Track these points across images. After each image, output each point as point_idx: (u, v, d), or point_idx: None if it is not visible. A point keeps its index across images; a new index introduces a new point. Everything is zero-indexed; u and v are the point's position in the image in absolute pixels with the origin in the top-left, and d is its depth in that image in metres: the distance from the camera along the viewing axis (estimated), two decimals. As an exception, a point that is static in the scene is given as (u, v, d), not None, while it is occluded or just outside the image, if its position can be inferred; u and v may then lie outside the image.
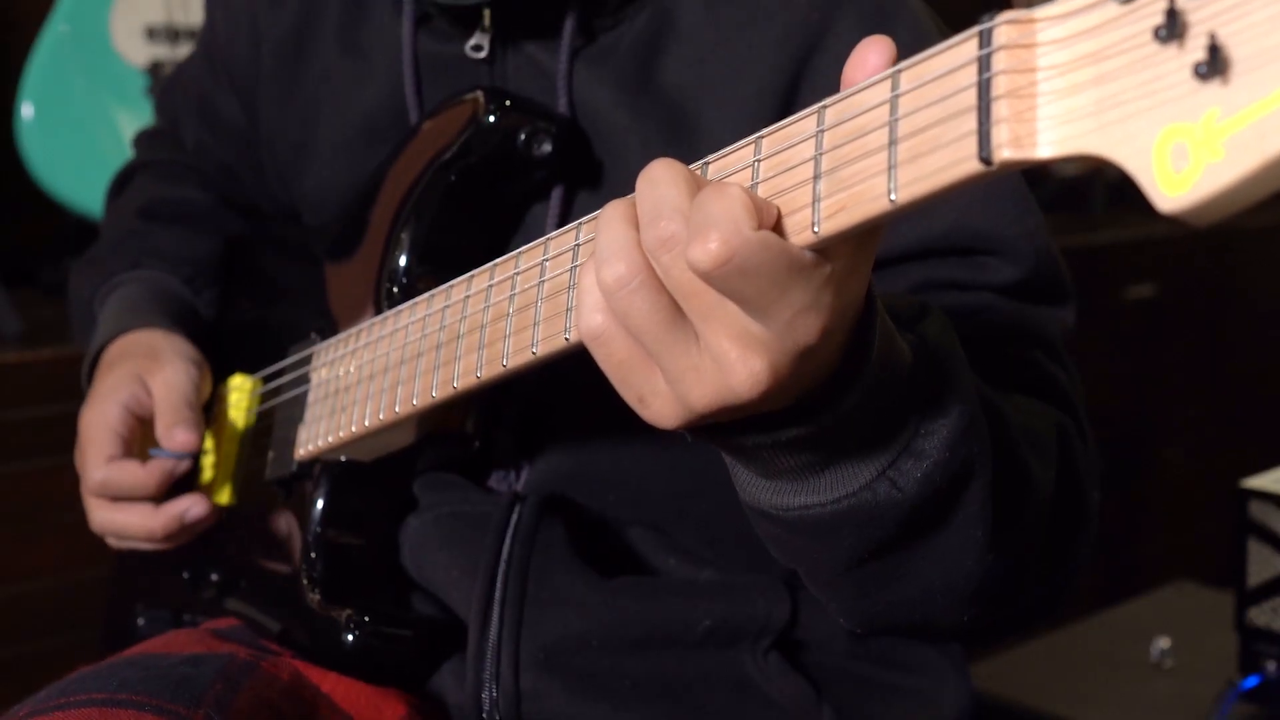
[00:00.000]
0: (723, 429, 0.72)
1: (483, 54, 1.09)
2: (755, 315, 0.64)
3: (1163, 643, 2.02)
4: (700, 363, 0.67)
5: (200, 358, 1.22)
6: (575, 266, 0.80)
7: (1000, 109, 0.58)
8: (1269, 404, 3.67)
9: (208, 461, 1.22)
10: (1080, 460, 0.91)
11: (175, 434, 1.15)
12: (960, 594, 0.82)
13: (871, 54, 0.64)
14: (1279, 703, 1.82)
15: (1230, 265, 3.60)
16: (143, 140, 1.50)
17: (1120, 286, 3.29)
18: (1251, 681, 1.83)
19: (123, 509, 1.16)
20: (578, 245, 0.80)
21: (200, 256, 1.32)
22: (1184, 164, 0.52)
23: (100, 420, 1.15)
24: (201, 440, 1.17)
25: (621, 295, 0.67)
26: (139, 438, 1.17)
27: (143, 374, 1.17)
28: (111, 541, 1.20)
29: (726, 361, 0.65)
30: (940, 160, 0.60)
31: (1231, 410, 3.58)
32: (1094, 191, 3.56)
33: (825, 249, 0.64)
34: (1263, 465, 1.93)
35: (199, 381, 1.20)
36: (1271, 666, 1.82)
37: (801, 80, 1.01)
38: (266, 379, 1.22)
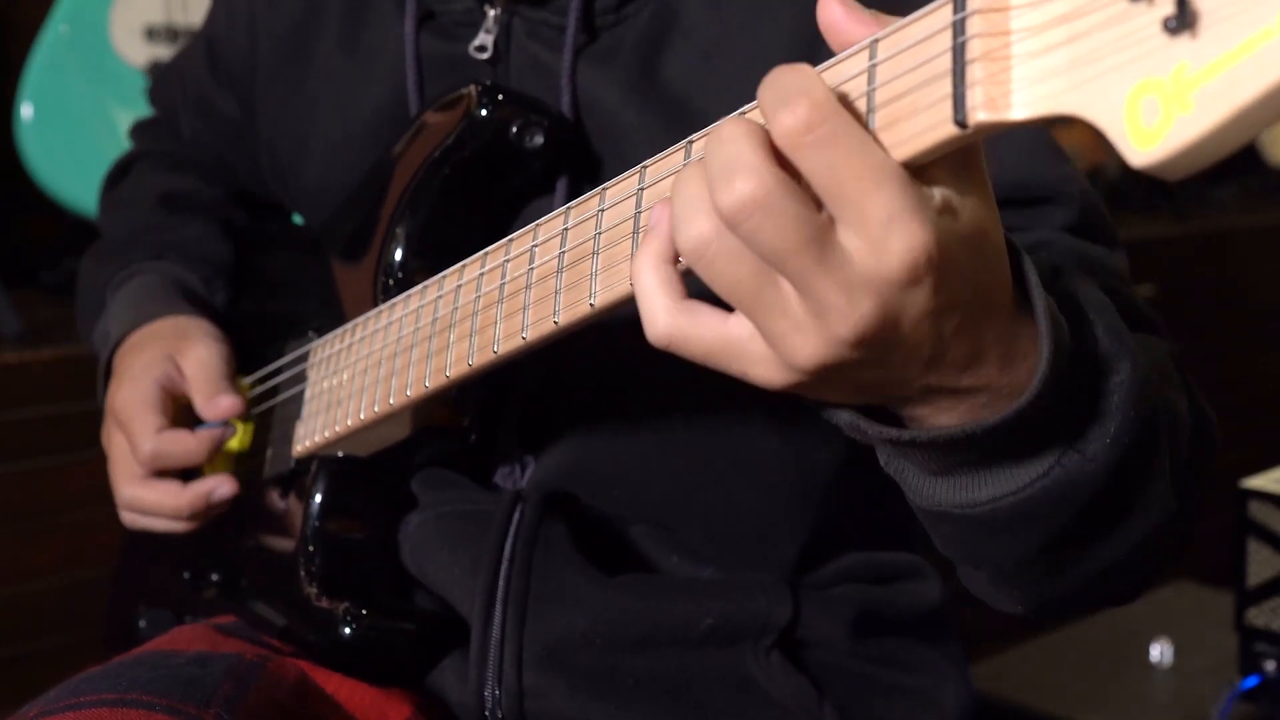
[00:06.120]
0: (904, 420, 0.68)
1: (486, 54, 1.09)
2: (847, 214, 0.61)
3: (1163, 643, 2.02)
4: (800, 311, 0.63)
5: (226, 338, 1.23)
6: (564, 251, 0.80)
7: (975, 72, 0.58)
8: (1269, 404, 3.67)
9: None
10: (1194, 386, 0.87)
11: (219, 402, 1.16)
12: (1146, 552, 0.78)
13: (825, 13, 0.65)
14: (1279, 703, 1.82)
15: (1230, 265, 3.60)
16: (139, 130, 1.49)
17: (1120, 286, 3.28)
18: (1251, 681, 1.83)
19: (155, 486, 1.16)
20: (558, 225, 0.80)
21: (217, 255, 1.32)
22: (1155, 118, 0.52)
23: (139, 397, 1.16)
24: (242, 409, 1.18)
25: (750, 218, 0.62)
26: (174, 415, 1.18)
27: (174, 354, 1.18)
28: (128, 518, 1.20)
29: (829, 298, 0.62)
30: (916, 125, 0.61)
31: (1231, 410, 3.58)
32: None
33: None
34: (1263, 465, 1.93)
35: (229, 357, 1.20)
36: (1271, 666, 1.82)
37: None
38: (264, 378, 1.22)
